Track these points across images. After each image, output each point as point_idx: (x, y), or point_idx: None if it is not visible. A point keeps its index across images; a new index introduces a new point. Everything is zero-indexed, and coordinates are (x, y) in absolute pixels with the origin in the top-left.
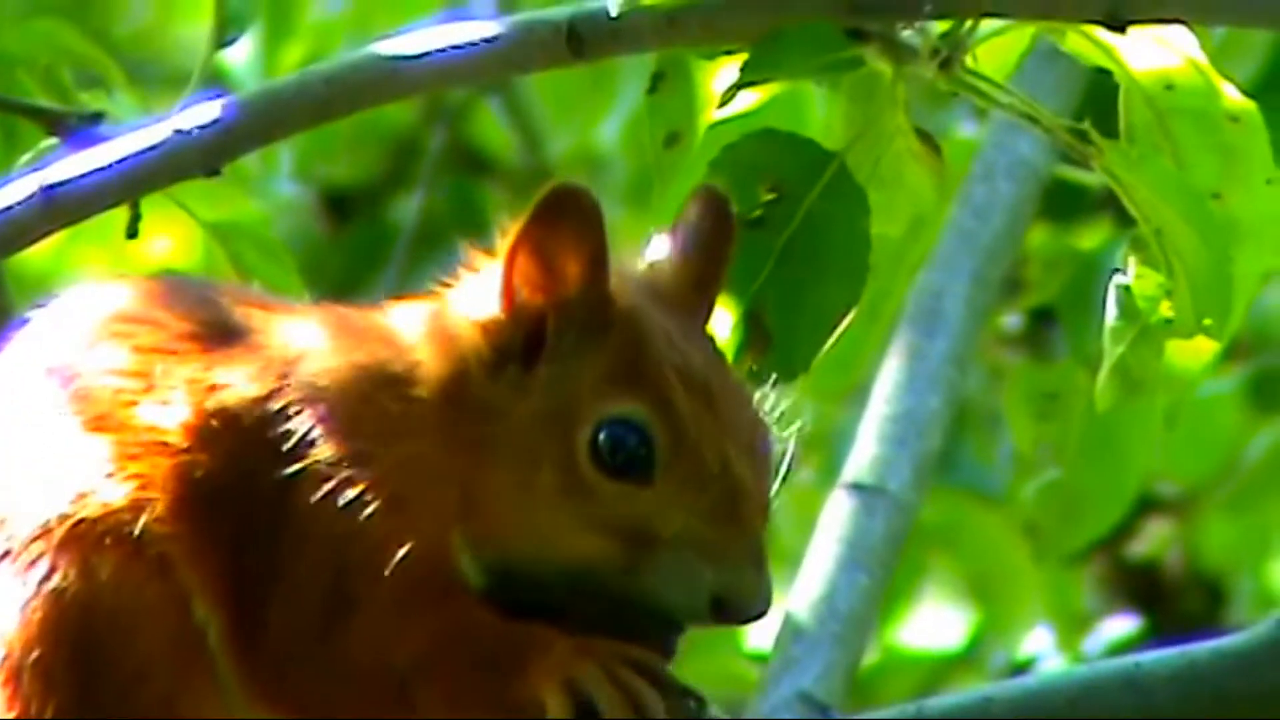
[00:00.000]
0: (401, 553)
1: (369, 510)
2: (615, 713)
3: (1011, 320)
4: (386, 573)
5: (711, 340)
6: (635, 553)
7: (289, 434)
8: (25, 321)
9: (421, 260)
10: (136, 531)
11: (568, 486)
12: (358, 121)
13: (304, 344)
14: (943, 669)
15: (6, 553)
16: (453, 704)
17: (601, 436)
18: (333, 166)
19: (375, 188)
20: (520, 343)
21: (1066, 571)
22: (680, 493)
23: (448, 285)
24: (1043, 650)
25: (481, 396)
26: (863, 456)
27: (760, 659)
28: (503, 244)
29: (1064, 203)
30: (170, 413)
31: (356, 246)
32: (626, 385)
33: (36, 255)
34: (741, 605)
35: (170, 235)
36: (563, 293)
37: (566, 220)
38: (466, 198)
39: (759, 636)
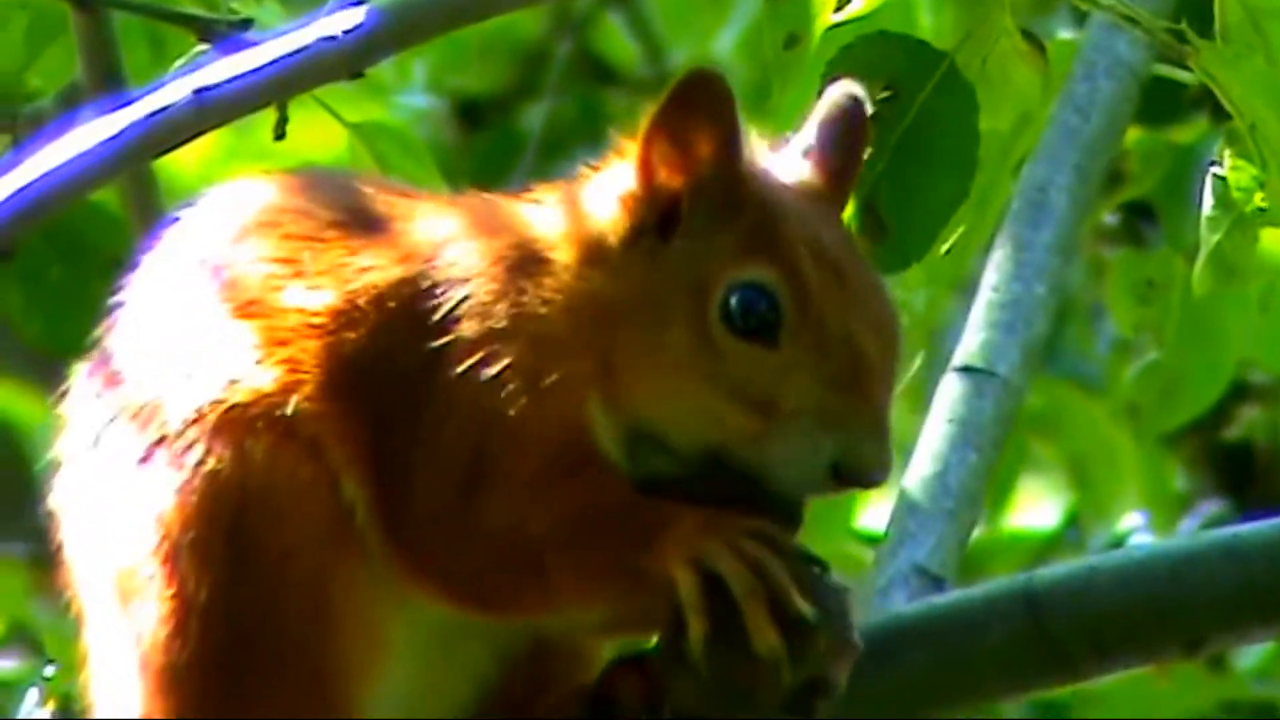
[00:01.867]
0: (541, 427)
1: (510, 385)
2: (740, 585)
3: (1109, 217)
4: (527, 446)
5: (845, 226)
6: (760, 419)
7: (433, 313)
8: (175, 219)
9: (549, 166)
10: (288, 413)
11: (698, 346)
12: (487, 33)
13: (448, 228)
14: (1044, 550)
15: (162, 438)
16: (584, 574)
17: (732, 299)
18: (464, 78)
19: (504, 97)
20: (656, 217)
21: (1161, 455)
22: (804, 358)
23: (595, 169)
24: (1139, 532)
25: (618, 264)
26: (972, 342)
27: (870, 539)
28: (642, 125)
29: (1161, 101)
30: (318, 296)
31: (486, 154)
32: (758, 253)
33: (190, 166)
34: (859, 471)
35: (315, 138)
36: (697, 171)
37: (701, 103)
38: (591, 106)
39: (869, 517)
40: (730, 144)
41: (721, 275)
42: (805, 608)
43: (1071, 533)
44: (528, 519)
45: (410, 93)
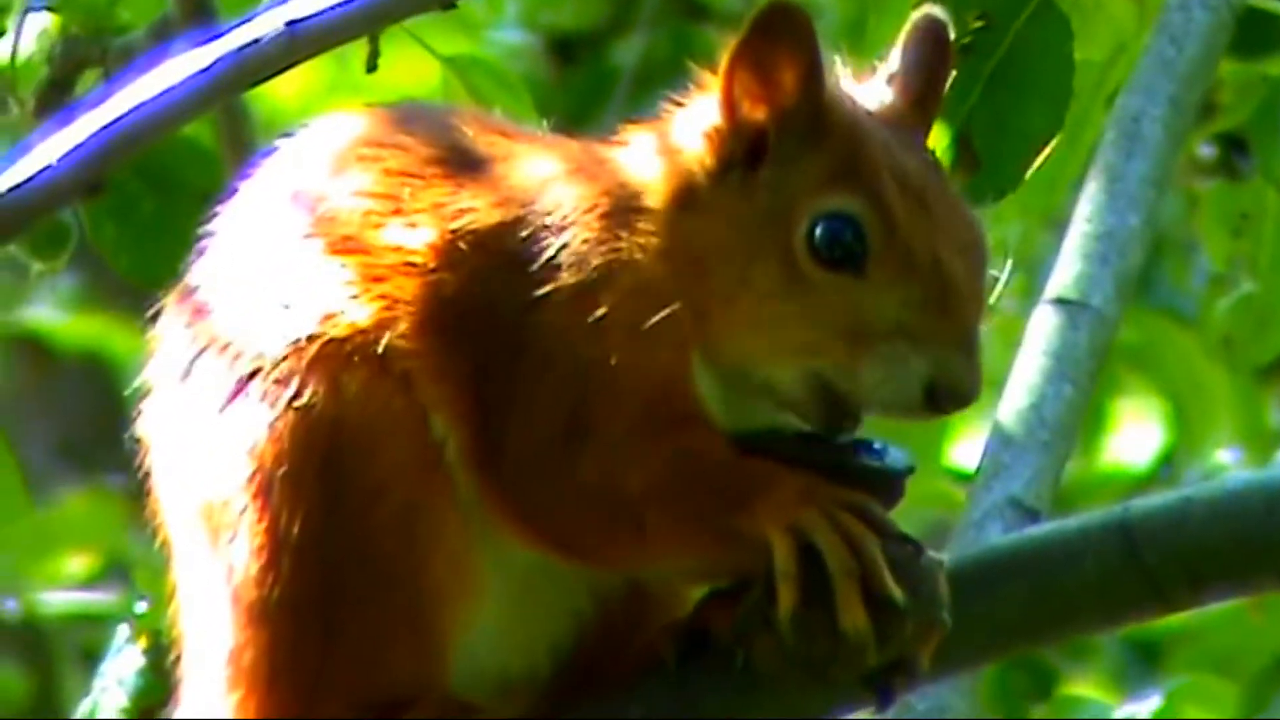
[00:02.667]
0: (640, 377)
1: (609, 335)
2: (836, 562)
3: (1204, 150)
4: (626, 398)
5: (929, 152)
6: (851, 347)
7: (532, 260)
8: (269, 152)
9: (642, 101)
10: (381, 350)
11: (787, 279)
12: None
13: (547, 173)
14: (1138, 486)
15: (257, 370)
16: (679, 530)
17: (818, 230)
18: (556, 13)
19: (598, 33)
20: (742, 151)
21: (1256, 390)
22: (891, 283)
23: (680, 105)
24: (1233, 467)
25: (707, 201)
26: (1065, 274)
27: (961, 475)
28: (723, 60)
29: (1255, 32)
30: (417, 234)
31: (580, 89)
32: (842, 183)
33: (284, 100)
34: (952, 389)
35: (409, 71)
36: (781, 102)
37: (781, 34)
38: (684, 41)
39: (959, 453)
40: (813, 73)
41: (806, 206)
42: (897, 593)
43: (1164, 469)
44: (625, 472)
45: (502, 28)
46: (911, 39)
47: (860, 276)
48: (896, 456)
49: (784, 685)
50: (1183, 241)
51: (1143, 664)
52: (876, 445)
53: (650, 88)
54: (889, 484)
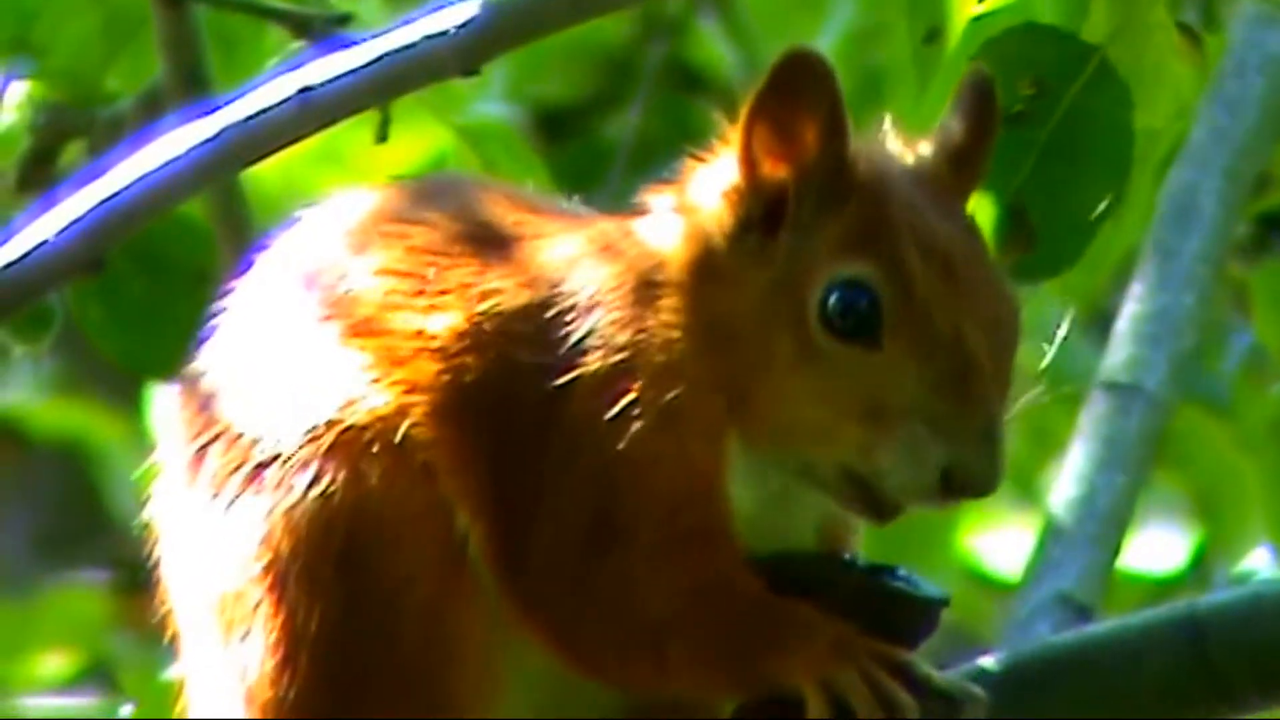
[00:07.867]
0: (670, 473)
1: (638, 424)
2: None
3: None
4: (653, 500)
5: (967, 219)
6: (868, 428)
7: (559, 344)
8: (286, 226)
9: (638, 178)
10: (400, 438)
11: (802, 353)
12: (570, 39)
13: (574, 250)
14: (1171, 585)
15: (273, 458)
16: (703, 662)
17: (832, 299)
18: (544, 85)
19: (587, 106)
20: (761, 211)
21: None
22: (908, 357)
23: (702, 160)
24: (1264, 570)
25: (726, 268)
26: (1118, 356)
27: (990, 582)
28: (741, 113)
29: None
30: (441, 317)
31: (571, 166)
32: (859, 248)
33: (275, 178)
34: (969, 480)
35: (415, 142)
36: (801, 159)
37: (801, 86)
38: (681, 115)
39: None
40: (834, 126)
41: (821, 273)
42: None
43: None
44: (647, 595)
45: (487, 101)
46: (958, 98)
47: (874, 349)
48: (928, 586)
49: None
50: (1214, 325)
51: None
52: (902, 572)
53: (645, 163)
54: (925, 613)
